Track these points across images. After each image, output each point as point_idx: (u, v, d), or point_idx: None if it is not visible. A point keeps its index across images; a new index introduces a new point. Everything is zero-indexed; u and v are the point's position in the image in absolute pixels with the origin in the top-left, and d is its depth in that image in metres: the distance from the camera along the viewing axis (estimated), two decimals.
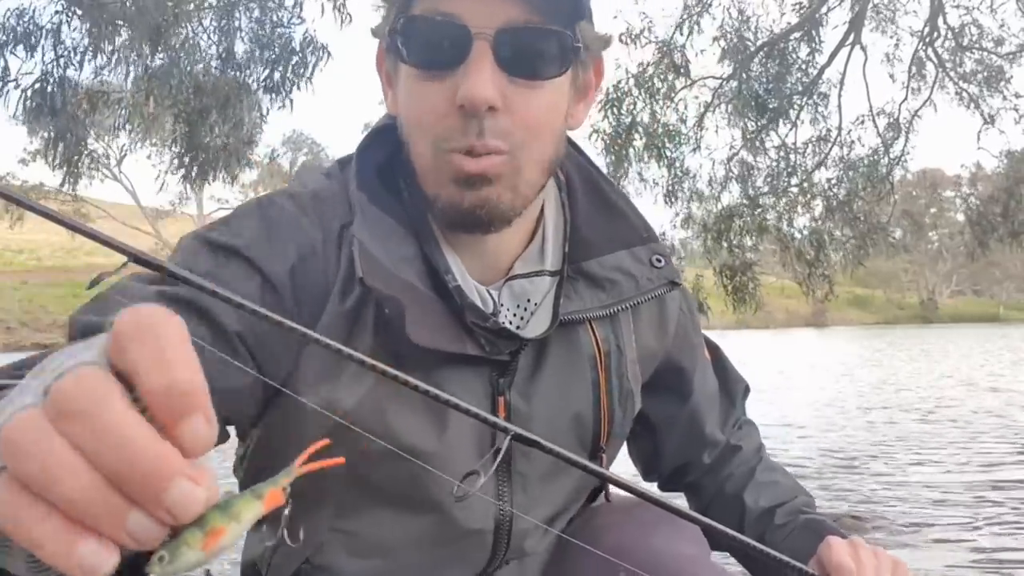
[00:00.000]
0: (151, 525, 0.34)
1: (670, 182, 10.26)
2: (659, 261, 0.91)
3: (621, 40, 9.73)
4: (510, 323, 0.86)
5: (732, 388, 1.12)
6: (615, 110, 9.64)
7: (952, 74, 10.76)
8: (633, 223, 0.92)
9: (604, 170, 1.00)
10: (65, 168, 7.60)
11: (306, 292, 0.80)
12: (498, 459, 0.59)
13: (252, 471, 0.92)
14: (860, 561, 0.86)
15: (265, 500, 0.39)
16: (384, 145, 0.87)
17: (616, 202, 0.93)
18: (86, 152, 7.53)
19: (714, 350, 1.11)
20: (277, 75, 7.54)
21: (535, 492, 0.90)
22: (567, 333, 0.88)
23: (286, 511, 0.42)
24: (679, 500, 1.07)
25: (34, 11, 6.98)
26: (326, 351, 0.61)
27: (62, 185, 8.25)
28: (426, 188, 0.82)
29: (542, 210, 0.91)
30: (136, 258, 0.48)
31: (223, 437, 0.81)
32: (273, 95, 7.60)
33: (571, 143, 0.94)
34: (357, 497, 0.85)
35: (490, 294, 0.86)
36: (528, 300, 0.87)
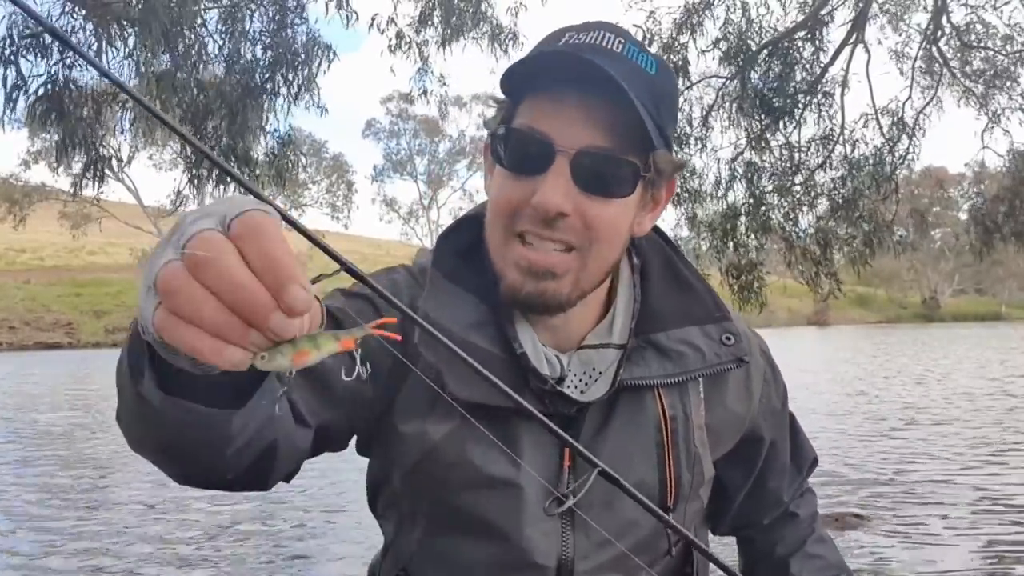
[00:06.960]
0: (262, 340, 0.49)
1: (677, 184, 10.22)
2: (728, 339, 0.99)
3: None
4: (575, 387, 0.95)
5: (801, 459, 1.18)
6: None
7: (958, 73, 10.74)
8: (706, 303, 1.01)
9: None
10: (90, 171, 7.55)
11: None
12: (585, 487, 0.72)
13: (371, 492, 1.07)
14: None
15: (341, 342, 0.53)
16: (471, 228, 1.00)
17: (692, 283, 1.02)
18: (97, 156, 7.48)
19: (790, 419, 1.17)
20: (294, 78, 7.49)
21: (597, 540, 0.96)
22: (634, 398, 0.97)
23: (358, 353, 0.56)
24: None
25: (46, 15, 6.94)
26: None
27: (86, 190, 8.26)
28: (495, 267, 0.94)
29: (614, 289, 1.00)
30: (346, 267, 0.58)
31: (341, 446, 0.98)
32: (289, 101, 7.57)
33: (655, 228, 1.04)
34: (443, 519, 0.97)
35: (559, 360, 0.95)
36: (593, 368, 0.96)
